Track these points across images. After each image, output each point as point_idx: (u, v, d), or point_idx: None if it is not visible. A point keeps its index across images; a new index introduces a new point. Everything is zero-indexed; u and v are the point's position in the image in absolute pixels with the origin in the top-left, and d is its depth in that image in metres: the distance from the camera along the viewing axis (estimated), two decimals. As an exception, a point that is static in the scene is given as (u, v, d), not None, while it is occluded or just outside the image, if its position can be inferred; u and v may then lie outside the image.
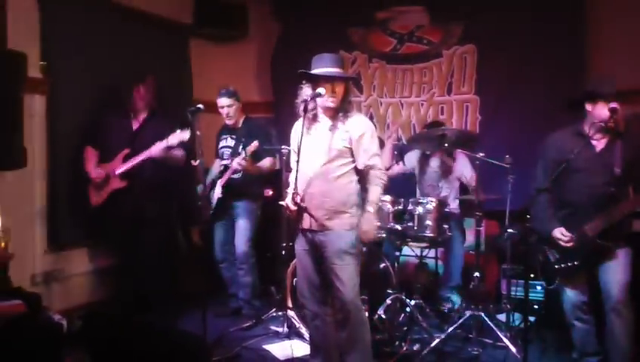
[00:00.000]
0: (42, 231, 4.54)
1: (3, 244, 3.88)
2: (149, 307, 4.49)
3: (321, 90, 3.25)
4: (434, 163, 4.95)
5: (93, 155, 4.63)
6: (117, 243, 4.77)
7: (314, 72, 3.31)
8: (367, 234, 3.33)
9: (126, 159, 4.52)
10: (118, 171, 4.50)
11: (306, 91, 3.33)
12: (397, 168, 5.04)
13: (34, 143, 4.34)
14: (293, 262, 4.44)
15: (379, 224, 4.21)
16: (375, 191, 3.34)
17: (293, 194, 3.29)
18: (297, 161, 3.27)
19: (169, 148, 4.43)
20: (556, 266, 3.56)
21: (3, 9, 4.01)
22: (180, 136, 4.38)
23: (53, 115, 4.56)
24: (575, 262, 3.50)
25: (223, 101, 4.80)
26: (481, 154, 4.31)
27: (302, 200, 3.31)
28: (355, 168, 3.37)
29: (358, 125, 3.34)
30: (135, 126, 4.69)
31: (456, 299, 4.50)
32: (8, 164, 3.15)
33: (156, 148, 4.41)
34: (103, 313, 4.60)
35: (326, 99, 3.29)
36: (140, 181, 4.54)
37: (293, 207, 3.32)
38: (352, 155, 3.34)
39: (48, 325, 3.48)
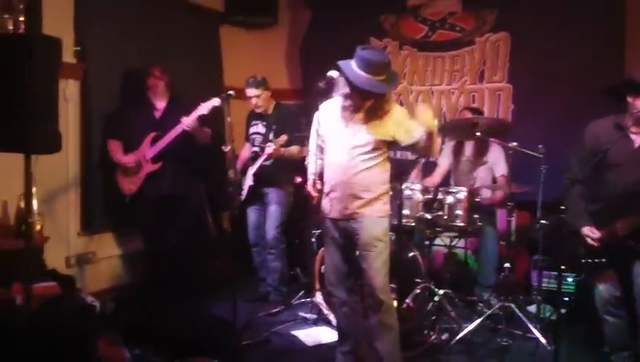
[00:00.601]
0: (76, 214, 4.62)
1: (38, 227, 3.97)
2: (180, 291, 4.53)
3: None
4: (467, 152, 4.90)
5: (117, 146, 4.65)
6: (149, 227, 4.82)
7: (352, 77, 3.17)
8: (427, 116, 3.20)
9: (154, 142, 4.54)
10: (150, 155, 4.53)
11: (343, 87, 3.24)
12: (437, 177, 5.02)
13: (68, 128, 4.41)
14: (322, 249, 4.46)
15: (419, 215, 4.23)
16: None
17: (314, 180, 3.31)
18: (334, 153, 3.26)
19: (200, 119, 4.40)
20: (583, 260, 3.49)
21: (39, -5, 4.07)
22: (209, 104, 4.34)
23: (87, 100, 4.62)
24: (602, 259, 3.43)
25: (251, 91, 4.81)
26: (515, 144, 4.24)
27: (333, 190, 3.29)
28: (388, 157, 3.35)
29: (391, 117, 3.28)
30: (158, 115, 4.68)
31: (495, 301, 4.43)
32: (44, 149, 3.17)
33: (188, 120, 4.39)
34: (136, 296, 4.69)
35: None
36: (172, 166, 4.57)
37: (314, 193, 3.35)
38: (387, 146, 3.32)
39: (82, 306, 3.55)
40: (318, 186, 3.33)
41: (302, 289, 4.82)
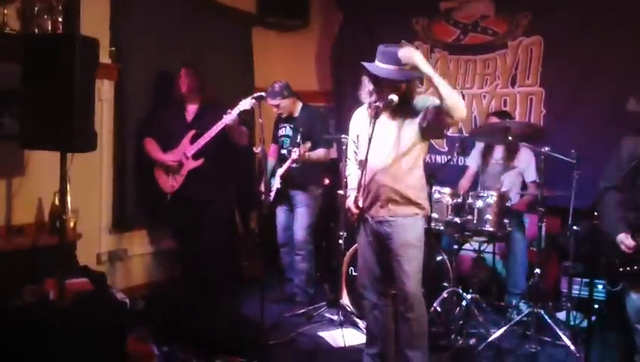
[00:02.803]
0: (108, 212, 4.70)
1: (72, 224, 4.05)
2: (209, 290, 4.58)
3: (393, 97, 3.15)
4: (497, 155, 4.87)
5: (155, 145, 4.67)
6: (180, 225, 4.88)
7: (374, 70, 3.22)
8: (407, 51, 3.12)
9: (194, 140, 4.56)
10: (192, 152, 4.53)
11: (368, 85, 3.27)
12: (466, 181, 5.00)
13: (102, 127, 4.49)
14: (350, 251, 4.47)
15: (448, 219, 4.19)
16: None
17: (356, 197, 3.27)
18: (367, 153, 3.19)
19: (242, 114, 4.39)
20: (621, 269, 3.44)
21: (77, -4, 4.15)
22: (248, 100, 4.32)
23: (121, 101, 4.70)
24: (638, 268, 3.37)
25: (271, 102, 4.83)
26: (546, 148, 4.20)
27: (366, 192, 3.28)
28: (421, 157, 3.33)
29: (419, 102, 3.26)
30: (189, 117, 4.69)
31: (525, 308, 4.38)
32: (80, 147, 3.25)
33: (230, 116, 4.38)
34: (166, 294, 4.75)
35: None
36: (211, 164, 4.57)
37: (355, 210, 3.31)
38: (421, 138, 3.27)
39: (113, 303, 3.61)
40: (360, 203, 3.29)
41: (325, 302, 4.75)
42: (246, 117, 4.46)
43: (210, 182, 4.60)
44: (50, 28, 3.89)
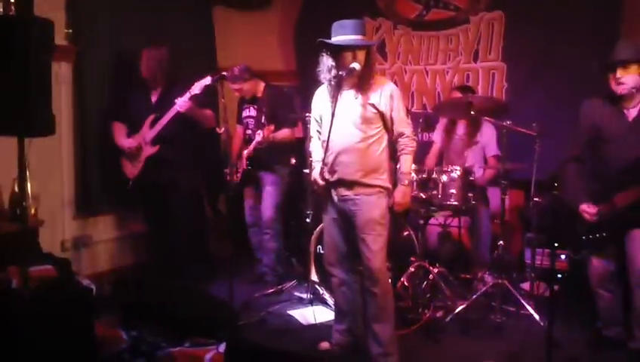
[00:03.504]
0: (71, 197, 4.62)
1: (33, 211, 3.97)
2: (177, 272, 4.56)
3: (355, 64, 3.19)
4: (460, 130, 4.91)
5: (121, 129, 4.64)
6: (147, 210, 4.84)
7: (334, 40, 3.26)
8: (400, 206, 3.37)
9: (153, 125, 4.52)
10: (149, 137, 4.51)
11: (327, 61, 3.29)
12: (432, 157, 5.05)
13: (61, 111, 4.38)
14: (317, 229, 4.48)
15: (414, 194, 4.24)
16: (407, 161, 3.36)
17: (322, 168, 3.28)
18: (329, 132, 3.23)
19: (194, 98, 4.38)
20: (584, 237, 3.52)
21: (29, -24, 4.02)
22: (201, 83, 4.28)
23: (80, 83, 4.60)
24: (603, 234, 3.45)
25: (233, 86, 4.81)
26: (508, 122, 4.25)
27: (331, 172, 3.30)
28: (385, 134, 3.35)
29: (383, 91, 3.30)
30: (154, 98, 4.65)
31: (489, 279, 4.46)
32: (37, 131, 3.17)
33: (181, 101, 4.34)
34: (133, 278, 4.71)
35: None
36: (171, 148, 4.55)
37: (321, 182, 3.31)
38: (382, 120, 3.32)
39: (78, 289, 3.56)
40: (326, 175, 3.30)
41: (295, 278, 4.81)
42: (199, 96, 4.39)
43: (171, 165, 4.57)
44: (2, 9, 3.76)
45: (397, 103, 3.32)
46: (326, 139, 3.29)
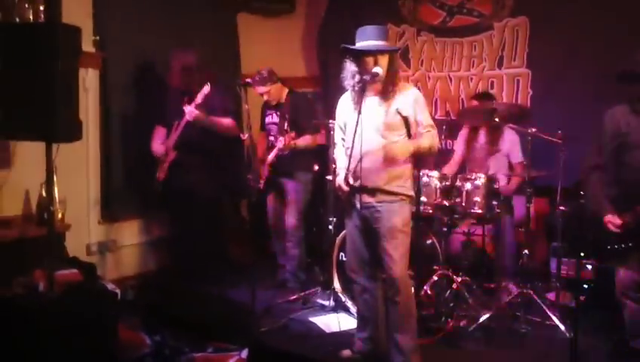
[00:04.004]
0: (96, 202, 4.68)
1: (60, 215, 4.02)
2: (200, 277, 4.58)
3: (377, 69, 3.19)
4: (481, 139, 4.87)
5: (160, 133, 4.75)
6: (170, 213, 4.88)
7: (357, 46, 3.27)
8: (392, 151, 3.21)
9: (176, 130, 4.59)
10: (171, 143, 4.60)
11: (350, 67, 3.30)
12: (454, 165, 5.00)
13: (88, 116, 4.46)
14: (340, 236, 4.47)
15: (437, 202, 4.21)
16: (425, 139, 3.28)
17: (346, 174, 3.26)
18: (353, 138, 3.23)
19: (200, 107, 4.43)
20: (609, 247, 3.46)
21: (58, -16, 4.10)
22: (203, 91, 4.39)
23: (106, 89, 4.66)
24: (630, 244, 3.39)
25: (260, 89, 4.80)
26: (533, 130, 4.21)
27: (354, 178, 3.28)
28: (408, 140, 3.32)
29: (407, 97, 3.28)
30: (185, 102, 4.66)
31: (514, 289, 4.42)
32: (65, 137, 3.22)
33: (189, 110, 4.43)
34: (156, 282, 4.75)
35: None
36: (190, 153, 4.61)
37: (345, 188, 3.29)
38: (405, 127, 3.29)
39: (103, 293, 3.60)
40: (350, 181, 3.27)
41: (318, 286, 4.76)
42: (228, 105, 4.45)
43: (190, 171, 4.64)
44: (31, 17, 3.84)
45: (421, 107, 3.31)
46: (350, 145, 3.28)
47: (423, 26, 5.83)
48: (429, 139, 3.28)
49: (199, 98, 4.41)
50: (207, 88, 4.34)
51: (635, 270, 3.45)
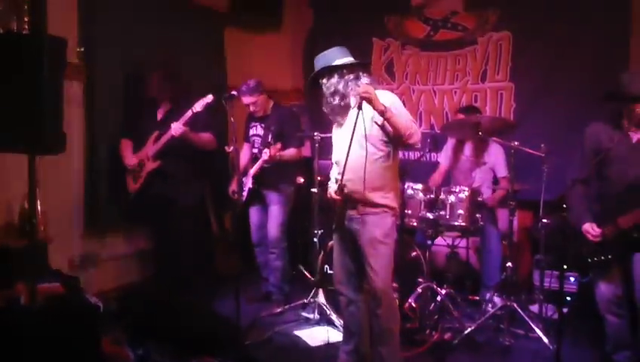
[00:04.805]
0: (79, 215, 4.64)
1: (42, 228, 3.98)
2: (184, 289, 4.56)
3: (364, 79, 3.25)
4: (467, 151, 4.91)
5: (128, 146, 4.71)
6: (152, 226, 4.85)
7: (316, 71, 3.34)
8: (370, 90, 3.14)
9: (157, 141, 4.58)
10: (151, 153, 4.57)
11: (329, 88, 3.32)
12: (438, 177, 5.03)
13: (72, 128, 4.42)
14: (324, 249, 4.48)
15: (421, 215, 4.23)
16: (403, 119, 3.20)
17: (339, 184, 3.26)
18: (339, 151, 3.26)
19: (189, 123, 4.44)
20: (589, 259, 3.50)
21: (43, -5, 4.08)
22: (203, 101, 4.38)
23: (91, 101, 4.64)
24: (609, 256, 3.43)
25: (246, 99, 4.80)
26: (516, 143, 4.25)
27: (340, 188, 3.29)
28: (392, 152, 3.32)
29: (382, 98, 3.21)
30: (159, 115, 4.73)
31: (498, 301, 4.44)
32: (48, 149, 3.19)
33: (176, 127, 4.42)
34: (140, 295, 4.70)
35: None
36: (173, 165, 4.60)
37: (337, 197, 3.29)
38: (386, 135, 3.26)
39: (85, 307, 3.56)
40: (346, 190, 3.28)
41: (310, 287, 4.72)
42: (209, 119, 4.45)
43: (171, 180, 4.63)
44: (15, 27, 3.82)
45: (397, 108, 3.24)
46: (336, 158, 3.30)
47: (408, 40, 5.89)
48: (406, 120, 3.21)
49: (198, 107, 4.39)
50: (210, 97, 4.33)
51: (615, 284, 3.49)
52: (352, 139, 3.20)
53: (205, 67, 5.68)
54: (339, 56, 3.32)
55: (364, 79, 3.26)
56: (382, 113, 3.13)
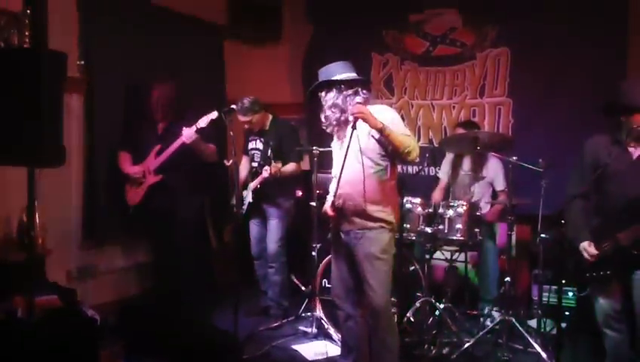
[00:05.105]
0: (78, 227, 4.64)
1: (40, 240, 3.98)
2: (183, 303, 4.54)
3: (359, 99, 3.25)
4: (466, 166, 4.92)
5: (127, 158, 4.71)
6: (151, 239, 4.85)
7: (315, 84, 3.38)
8: (363, 109, 3.17)
9: (158, 155, 4.58)
10: (153, 166, 4.57)
11: (328, 102, 3.35)
12: (438, 192, 5.04)
13: (71, 141, 4.44)
14: (323, 263, 4.47)
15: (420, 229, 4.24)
16: (400, 135, 3.20)
17: (333, 201, 3.29)
18: (335, 166, 3.29)
19: (199, 132, 4.44)
20: (587, 274, 3.49)
21: (44, 10, 4.11)
22: (208, 117, 4.39)
23: (90, 114, 4.66)
24: (607, 271, 3.42)
25: (241, 118, 4.81)
26: (515, 158, 4.27)
27: (337, 203, 3.30)
28: (391, 166, 3.33)
29: (378, 117, 3.22)
30: (160, 129, 4.73)
31: (497, 316, 4.44)
32: (48, 162, 3.20)
33: (187, 134, 4.41)
34: (138, 308, 4.69)
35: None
36: (174, 178, 4.60)
37: (330, 213, 3.32)
38: (384, 149, 3.27)
39: (82, 320, 3.55)
40: (337, 205, 3.31)
41: (307, 297, 4.75)
42: (205, 130, 4.46)
43: (171, 194, 4.62)
44: (16, 42, 3.84)
45: (396, 124, 3.25)
46: (335, 173, 3.31)
47: (407, 55, 5.92)
48: (404, 136, 3.20)
49: (203, 122, 4.39)
50: (214, 113, 4.35)
51: (614, 299, 3.48)
52: (346, 154, 3.20)
53: (204, 80, 5.70)
54: (340, 71, 3.35)
55: (358, 98, 3.26)
56: (380, 131, 3.14)
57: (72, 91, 4.48)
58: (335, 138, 3.44)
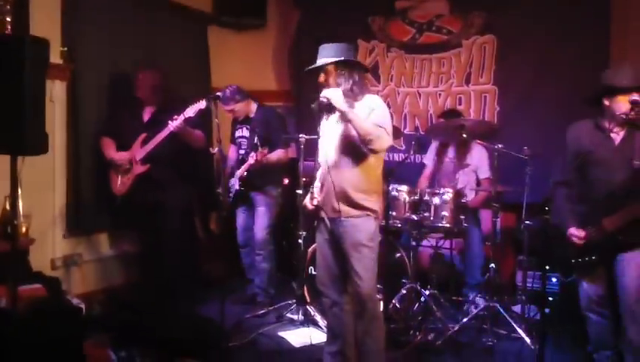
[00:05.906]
0: (62, 216, 4.60)
1: (24, 229, 3.95)
2: (168, 292, 4.53)
3: (327, 93, 3.19)
4: (451, 153, 4.94)
5: (110, 144, 4.66)
6: (137, 228, 4.82)
7: (308, 68, 3.35)
8: (329, 93, 3.17)
9: (144, 143, 4.54)
10: (140, 156, 4.53)
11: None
12: (424, 180, 5.05)
13: (55, 129, 4.39)
14: (309, 250, 4.48)
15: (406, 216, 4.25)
16: (366, 122, 3.15)
17: (311, 193, 3.29)
18: (319, 154, 3.28)
19: (187, 120, 4.42)
20: (573, 261, 3.52)
21: (25, -5, 4.05)
22: (196, 106, 4.38)
23: (74, 101, 4.61)
24: (593, 257, 3.46)
25: (226, 108, 4.81)
26: (500, 145, 4.29)
27: (320, 193, 3.30)
28: (378, 160, 3.32)
29: (364, 106, 3.23)
30: (146, 117, 4.71)
31: (481, 302, 4.47)
32: (30, 150, 3.16)
33: (175, 122, 4.39)
34: (123, 297, 4.68)
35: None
36: (161, 168, 4.58)
37: (310, 207, 3.35)
38: None
39: (67, 309, 3.54)
40: (317, 196, 3.33)
41: (294, 299, 4.71)
42: (193, 119, 4.44)
43: (159, 184, 4.60)
44: (-2, 28, 3.79)
45: (376, 112, 3.22)
46: (320, 160, 3.30)
47: (393, 43, 5.90)
48: (370, 124, 3.15)
49: (191, 112, 4.37)
50: (203, 103, 4.33)
51: (599, 284, 3.52)
52: (332, 142, 3.23)
53: (189, 67, 5.66)
54: (339, 54, 3.29)
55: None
56: (342, 115, 3.15)
57: (55, 78, 4.42)
58: (324, 120, 3.41)
